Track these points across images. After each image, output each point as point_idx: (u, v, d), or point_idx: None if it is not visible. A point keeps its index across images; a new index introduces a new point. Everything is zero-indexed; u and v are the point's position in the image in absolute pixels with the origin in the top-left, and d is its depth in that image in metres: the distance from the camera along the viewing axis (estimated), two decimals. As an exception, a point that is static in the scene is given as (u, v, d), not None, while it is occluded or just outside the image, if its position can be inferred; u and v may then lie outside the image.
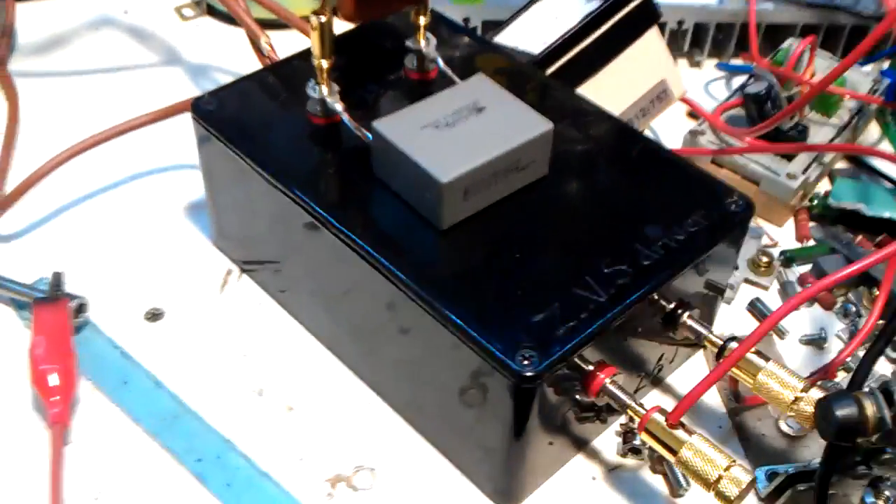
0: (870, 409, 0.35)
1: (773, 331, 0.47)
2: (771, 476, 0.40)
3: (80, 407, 0.42)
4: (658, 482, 0.41)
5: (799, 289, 0.49)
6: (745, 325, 0.48)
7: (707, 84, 0.63)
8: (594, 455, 0.42)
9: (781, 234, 0.52)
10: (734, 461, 0.35)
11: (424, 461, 0.41)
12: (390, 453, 0.41)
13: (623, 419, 0.42)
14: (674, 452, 0.36)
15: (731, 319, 0.48)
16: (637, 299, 0.37)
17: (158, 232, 0.50)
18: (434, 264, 0.38)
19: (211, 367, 0.44)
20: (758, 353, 0.39)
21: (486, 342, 0.35)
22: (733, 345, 0.39)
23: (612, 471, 0.41)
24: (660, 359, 0.43)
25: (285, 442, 0.41)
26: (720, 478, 0.35)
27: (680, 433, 0.36)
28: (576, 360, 0.36)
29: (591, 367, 0.37)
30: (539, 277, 0.37)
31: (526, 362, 0.34)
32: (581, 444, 0.42)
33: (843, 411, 0.35)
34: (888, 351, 0.46)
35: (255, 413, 0.42)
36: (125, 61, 0.63)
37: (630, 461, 0.41)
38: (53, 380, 0.40)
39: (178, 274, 0.48)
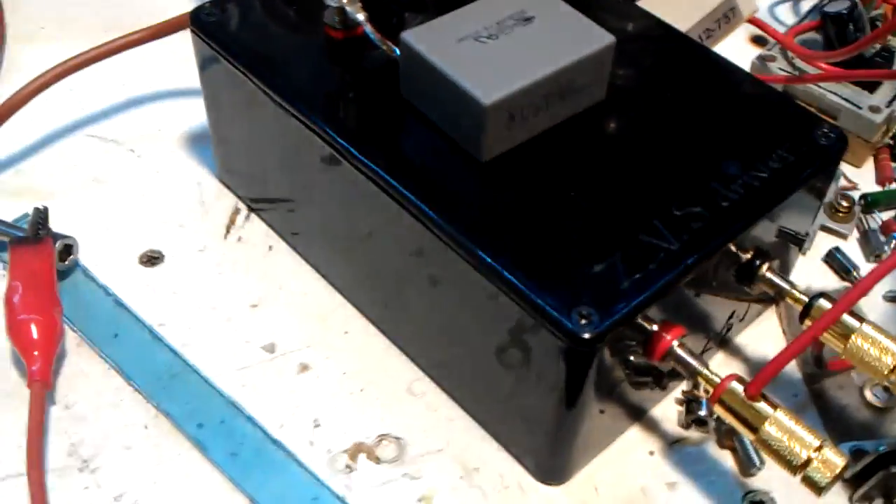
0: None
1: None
2: (857, 454, 0.35)
3: (65, 363, 0.37)
4: (726, 458, 0.36)
5: (882, 238, 0.43)
6: (823, 278, 0.42)
7: (778, 4, 0.56)
8: (653, 427, 0.36)
9: (861, 176, 0.46)
10: (826, 440, 0.30)
11: (457, 431, 0.36)
12: (418, 421, 0.36)
13: (685, 386, 0.37)
14: (754, 429, 0.31)
15: (808, 272, 0.42)
16: (714, 248, 0.31)
17: (156, 165, 0.45)
18: (473, 203, 0.32)
19: (215, 319, 0.39)
20: (851, 312, 0.33)
21: (537, 297, 0.29)
22: (823, 303, 0.34)
23: (672, 444, 0.36)
24: (730, 317, 0.37)
25: (298, 406, 0.36)
26: (809, 460, 0.30)
27: (762, 406, 0.31)
28: (640, 319, 0.30)
29: (656, 328, 0.32)
30: (598, 221, 0.32)
31: (584, 321, 0.29)
32: (638, 415, 0.36)
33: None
34: None
35: (264, 372, 0.37)
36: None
37: (693, 434, 0.36)
38: (33, 332, 0.35)
39: (178, 213, 0.43)
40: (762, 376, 0.31)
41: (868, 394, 0.37)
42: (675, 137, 0.35)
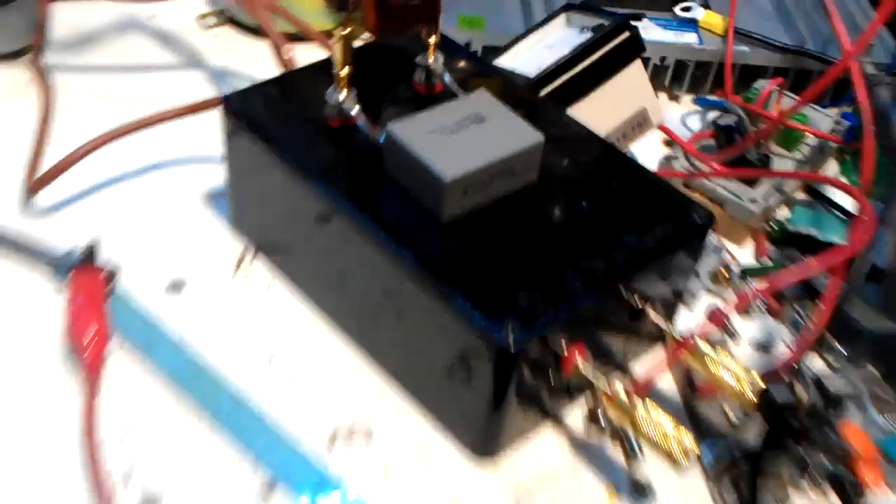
0: (804, 396, 0.41)
1: (726, 333, 0.53)
2: (715, 451, 0.46)
3: (109, 362, 0.47)
4: (616, 450, 0.46)
5: (754, 303, 0.55)
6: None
7: (684, 116, 0.69)
8: (561, 425, 0.47)
9: (742, 254, 0.58)
10: (681, 426, 0.41)
11: (415, 420, 0.47)
12: (385, 412, 0.47)
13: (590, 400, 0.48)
14: (630, 418, 0.42)
15: (693, 323, 0.53)
16: (607, 291, 0.43)
17: (181, 214, 0.56)
18: (436, 251, 0.43)
19: (225, 335, 0.49)
20: (711, 344, 0.45)
21: (476, 317, 0.40)
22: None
23: (575, 439, 0.47)
24: (626, 348, 0.48)
25: (291, 403, 0.47)
26: (669, 439, 0.41)
27: (637, 401, 0.42)
28: (552, 339, 0.42)
29: (565, 349, 0.43)
30: (525, 267, 0.43)
31: (510, 336, 0.40)
32: (551, 415, 0.47)
33: (782, 398, 0.41)
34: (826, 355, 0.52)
35: (264, 378, 0.48)
36: (150, 62, 0.68)
37: (593, 432, 0.47)
38: (88, 333, 0.45)
39: (198, 252, 0.53)
40: (639, 381, 0.42)
41: (728, 412, 0.48)
42: (587, 212, 0.47)
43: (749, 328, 0.54)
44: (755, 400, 0.43)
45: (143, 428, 0.45)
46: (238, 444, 0.45)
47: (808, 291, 0.54)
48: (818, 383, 0.42)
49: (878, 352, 0.51)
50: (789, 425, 0.42)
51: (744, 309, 0.54)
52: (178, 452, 0.44)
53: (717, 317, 0.46)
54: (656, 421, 0.42)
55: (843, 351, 0.51)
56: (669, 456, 0.41)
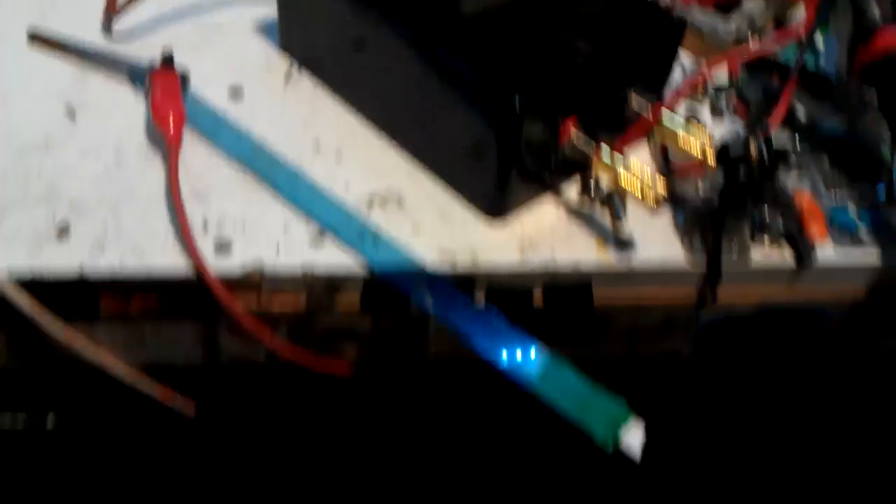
0: (754, 150, 0.51)
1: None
2: (687, 213, 0.55)
3: (186, 145, 0.57)
4: (605, 216, 0.56)
5: (725, 109, 0.64)
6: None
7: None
8: (560, 195, 0.57)
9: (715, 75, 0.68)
10: (658, 176, 0.51)
11: (438, 192, 0.57)
12: (413, 186, 0.57)
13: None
14: (613, 173, 0.52)
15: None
16: (599, 74, 0.52)
17: (240, 37, 0.65)
18: (455, 39, 0.53)
19: (278, 129, 0.59)
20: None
21: (488, 87, 0.50)
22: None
23: (571, 206, 0.56)
24: (614, 131, 0.58)
25: (336, 177, 0.56)
26: (647, 188, 0.51)
27: (619, 160, 0.52)
28: (552, 108, 0.51)
29: (560, 120, 0.52)
30: (531, 54, 0.52)
31: (515, 100, 0.49)
32: (551, 188, 0.57)
33: (735, 151, 0.50)
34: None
35: (313, 159, 0.57)
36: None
37: (585, 200, 0.56)
38: (169, 114, 0.55)
39: (253, 67, 0.63)
40: (621, 140, 0.52)
41: (700, 187, 0.58)
42: (590, 13, 0.56)
43: (719, 131, 0.63)
44: (712, 164, 0.52)
45: (216, 192, 0.55)
46: (294, 204, 0.54)
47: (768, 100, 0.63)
48: (767, 141, 0.51)
49: (828, 144, 0.61)
50: (742, 181, 0.52)
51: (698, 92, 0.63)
52: (245, 209, 0.54)
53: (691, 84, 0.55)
54: (635, 172, 0.51)
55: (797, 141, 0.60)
56: (645, 199, 0.51)
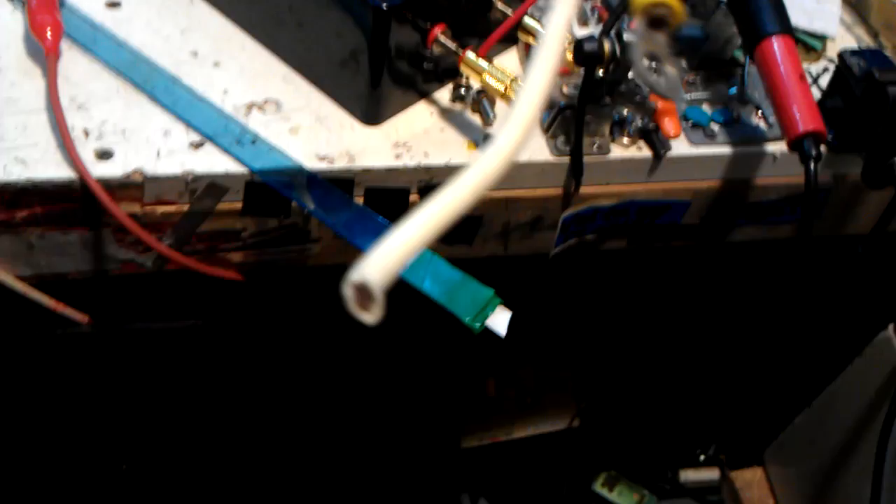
0: (607, 46, 0.54)
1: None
2: (551, 113, 0.59)
3: (63, 55, 0.57)
4: (475, 119, 0.59)
5: (590, 15, 0.67)
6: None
7: None
8: (434, 101, 0.60)
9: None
10: (517, 77, 0.54)
11: (313, 97, 0.59)
12: (289, 94, 0.58)
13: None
14: (479, 74, 0.54)
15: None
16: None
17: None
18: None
19: (157, 38, 0.60)
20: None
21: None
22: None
23: (444, 111, 0.59)
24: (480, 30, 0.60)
25: (213, 85, 0.58)
26: (509, 85, 0.54)
27: (483, 63, 0.54)
28: (416, 10, 0.53)
29: (428, 25, 0.55)
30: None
31: (382, 0, 0.51)
32: (425, 93, 0.60)
33: (589, 46, 0.54)
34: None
35: (191, 67, 0.59)
36: None
37: (457, 106, 0.59)
38: (46, 24, 0.55)
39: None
40: (485, 44, 0.54)
41: (563, 88, 0.61)
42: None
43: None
44: (571, 62, 0.56)
45: (95, 101, 0.56)
46: (173, 112, 0.56)
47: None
48: (619, 38, 0.54)
49: (685, 48, 0.65)
50: (598, 78, 0.55)
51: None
52: (125, 118, 0.55)
53: None
54: (501, 75, 0.54)
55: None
56: (507, 98, 0.54)
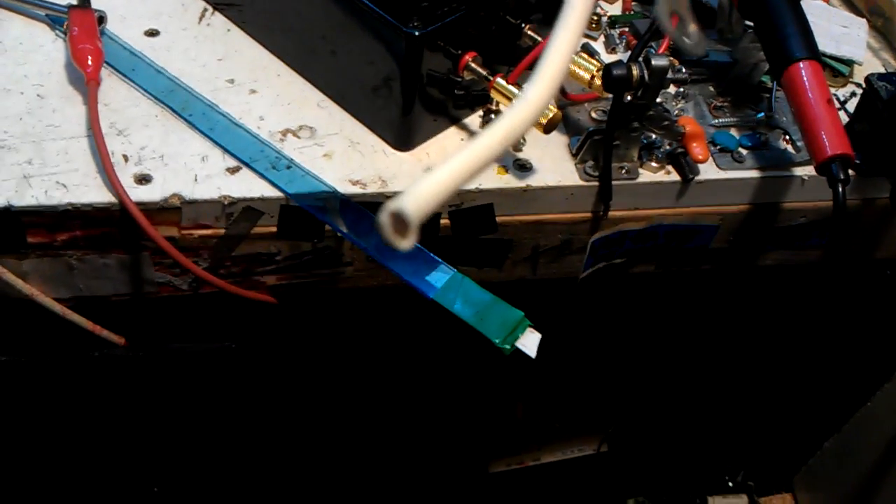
0: (635, 71, 0.55)
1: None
2: (580, 138, 0.60)
3: (103, 81, 0.59)
4: (506, 144, 0.60)
5: (618, 43, 0.68)
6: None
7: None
8: (464, 126, 0.61)
9: (611, 8, 0.72)
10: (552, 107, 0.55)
11: (346, 123, 0.60)
12: (323, 119, 0.60)
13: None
14: (510, 100, 0.55)
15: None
16: (495, 5, 0.56)
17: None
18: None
19: (195, 65, 0.62)
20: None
21: (387, 16, 0.53)
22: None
23: (473, 134, 0.60)
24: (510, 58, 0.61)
25: (250, 112, 0.59)
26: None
27: (514, 89, 0.55)
28: (447, 37, 0.54)
29: (459, 52, 0.56)
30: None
31: (414, 27, 0.53)
32: (455, 120, 0.61)
33: (617, 71, 0.55)
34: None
35: (228, 94, 0.60)
36: None
37: (488, 131, 0.61)
38: (87, 52, 0.57)
39: (168, 9, 0.65)
40: (515, 71, 0.55)
41: (592, 113, 0.62)
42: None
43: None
44: (599, 85, 0.57)
45: (135, 127, 0.57)
46: (210, 138, 0.57)
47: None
48: (647, 63, 0.55)
49: (713, 74, 0.66)
50: (627, 102, 0.56)
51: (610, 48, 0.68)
52: (164, 143, 0.57)
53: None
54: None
55: (684, 70, 0.65)
56: (539, 125, 0.55)
